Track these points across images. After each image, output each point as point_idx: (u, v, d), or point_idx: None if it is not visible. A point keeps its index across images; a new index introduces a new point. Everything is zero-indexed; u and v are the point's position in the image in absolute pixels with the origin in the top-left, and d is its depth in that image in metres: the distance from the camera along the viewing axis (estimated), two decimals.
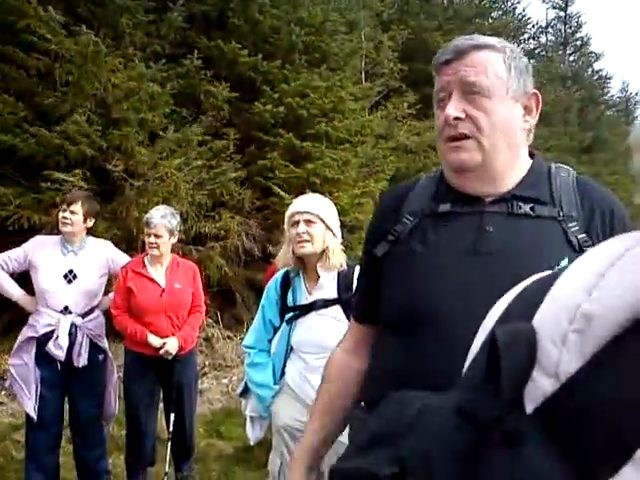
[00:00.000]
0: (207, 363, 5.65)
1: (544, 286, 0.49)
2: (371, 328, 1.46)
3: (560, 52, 19.27)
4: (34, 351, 3.60)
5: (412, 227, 1.33)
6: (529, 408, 0.43)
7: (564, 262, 1.18)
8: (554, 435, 0.42)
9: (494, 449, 0.43)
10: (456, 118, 1.24)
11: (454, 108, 1.24)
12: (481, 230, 1.25)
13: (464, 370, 0.55)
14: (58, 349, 3.58)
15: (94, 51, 5.63)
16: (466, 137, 1.25)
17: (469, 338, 1.11)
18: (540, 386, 0.43)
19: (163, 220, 3.66)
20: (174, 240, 3.78)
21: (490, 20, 14.46)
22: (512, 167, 1.29)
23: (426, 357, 1.19)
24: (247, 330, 5.86)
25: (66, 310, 3.65)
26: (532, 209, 1.25)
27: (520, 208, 1.25)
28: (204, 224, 6.13)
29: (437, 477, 0.45)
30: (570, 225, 1.23)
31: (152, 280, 3.70)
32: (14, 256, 3.68)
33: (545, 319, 0.46)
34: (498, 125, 1.24)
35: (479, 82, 1.24)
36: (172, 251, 3.86)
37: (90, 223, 3.78)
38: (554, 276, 0.49)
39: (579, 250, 1.20)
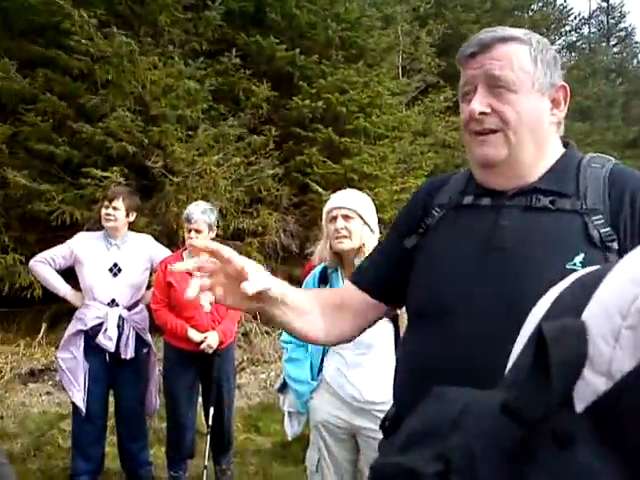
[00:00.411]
0: (245, 358, 5.69)
1: (593, 280, 0.47)
2: (368, 299, 1.48)
3: (603, 44, 18.83)
4: (82, 344, 3.70)
5: (438, 219, 1.34)
6: (579, 407, 0.42)
7: (579, 257, 1.16)
8: (605, 435, 0.40)
9: (543, 448, 0.42)
10: (481, 113, 1.23)
11: (479, 102, 1.23)
12: (496, 224, 1.24)
13: (507, 367, 0.54)
14: (108, 341, 3.67)
15: (130, 50, 5.74)
16: (492, 132, 1.24)
17: (481, 331, 1.14)
18: (591, 384, 0.42)
19: (203, 215, 3.70)
20: (213, 235, 3.82)
21: (530, 12, 14.20)
22: (538, 161, 1.27)
23: (442, 348, 1.21)
24: None
25: (113, 303, 3.74)
26: (552, 202, 1.23)
27: (539, 201, 1.24)
28: (242, 220, 6.17)
29: (482, 476, 0.44)
30: (594, 218, 1.20)
31: (192, 275, 3.72)
32: (60, 253, 3.78)
33: (596, 315, 0.44)
34: (524, 119, 1.23)
35: (504, 76, 1.22)
36: None
37: (132, 217, 3.86)
38: (604, 270, 0.48)
39: (600, 245, 1.17)
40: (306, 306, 1.41)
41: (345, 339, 1.52)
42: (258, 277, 1.24)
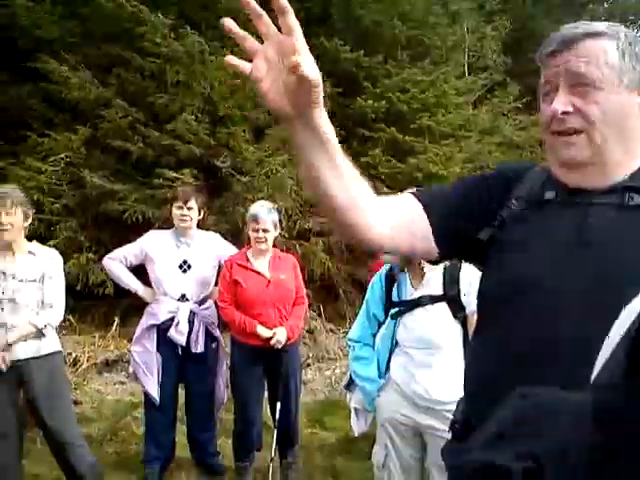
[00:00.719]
0: (310, 355, 5.75)
1: None
2: (426, 223, 1.31)
3: None
4: (155, 338, 3.84)
5: (517, 213, 1.28)
6: None
7: None
8: None
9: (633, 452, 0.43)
10: (564, 112, 1.18)
11: (562, 102, 1.18)
12: (584, 222, 1.19)
13: (597, 368, 0.54)
14: (180, 335, 3.80)
15: (200, 51, 5.90)
16: (576, 132, 1.19)
17: (563, 327, 1.10)
18: None
19: (269, 215, 3.77)
20: (277, 234, 3.90)
21: (605, 5, 13.59)
22: (627, 160, 1.21)
23: (524, 347, 1.17)
24: (349, 324, 5.97)
25: (183, 298, 3.87)
26: None
27: (632, 199, 1.18)
28: (307, 220, 6.23)
29: (578, 475, 0.45)
30: None
31: (257, 272, 3.81)
32: (131, 251, 3.94)
33: None
34: (610, 118, 1.17)
35: (589, 73, 1.17)
36: (274, 246, 3.97)
37: (201, 216, 3.98)
38: None
39: None
40: (352, 178, 1.20)
41: (377, 242, 1.28)
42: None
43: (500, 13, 10.68)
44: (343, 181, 1.18)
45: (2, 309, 3.25)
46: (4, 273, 3.28)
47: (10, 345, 3.23)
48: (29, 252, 3.37)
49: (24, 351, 3.29)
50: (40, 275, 3.34)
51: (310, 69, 1.03)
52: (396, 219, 1.29)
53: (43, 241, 3.91)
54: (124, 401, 5.02)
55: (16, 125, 6.08)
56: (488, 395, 0.98)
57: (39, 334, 3.31)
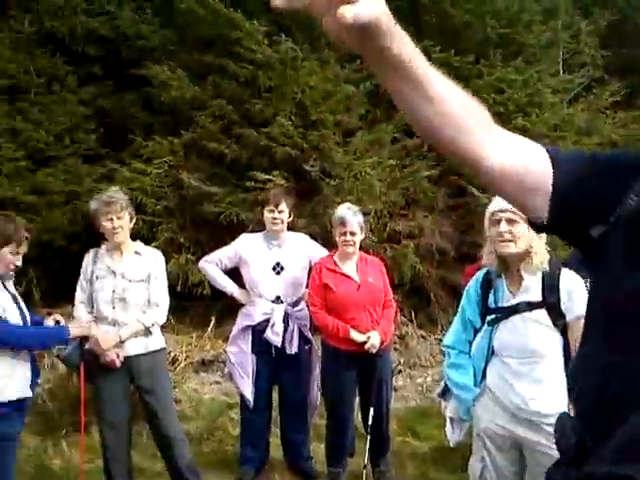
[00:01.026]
0: (402, 361, 5.69)
1: None
2: (544, 163, 1.11)
3: None
4: (250, 339, 3.93)
5: (637, 211, 1.08)
6: None
7: None
8: None
9: None
10: None
11: None
12: None
13: None
14: (275, 336, 3.87)
15: (292, 57, 6.00)
16: None
17: None
18: None
19: (355, 218, 3.80)
20: (362, 236, 3.90)
21: None
22: None
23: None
24: (441, 331, 5.87)
25: (278, 300, 3.94)
26: None
27: None
28: (397, 222, 6.19)
29: None
30: None
31: (347, 276, 3.82)
32: (226, 254, 4.06)
33: None
34: None
35: None
36: (360, 248, 3.97)
37: (291, 217, 4.05)
38: None
39: None
40: (452, 100, 1.02)
41: (485, 176, 1.10)
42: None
43: (599, 6, 10.22)
44: (440, 105, 1.02)
45: (114, 307, 3.45)
46: (114, 273, 3.48)
47: (122, 342, 3.41)
48: (135, 252, 3.56)
49: (133, 347, 3.48)
50: (147, 275, 3.52)
51: (363, 12, 0.87)
52: (513, 159, 1.10)
53: (146, 242, 4.08)
54: (220, 401, 5.16)
55: (120, 130, 6.44)
56: (609, 415, 0.92)
57: (147, 332, 3.49)
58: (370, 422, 3.81)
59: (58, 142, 6.25)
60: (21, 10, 6.84)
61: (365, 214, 4.25)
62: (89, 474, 3.76)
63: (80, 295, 3.53)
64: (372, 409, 3.81)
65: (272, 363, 3.94)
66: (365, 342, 3.69)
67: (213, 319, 5.75)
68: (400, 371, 5.62)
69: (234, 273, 4.12)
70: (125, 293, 3.46)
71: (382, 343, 3.74)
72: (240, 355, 3.95)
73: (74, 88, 6.69)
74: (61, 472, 4.11)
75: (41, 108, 6.36)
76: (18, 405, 3.04)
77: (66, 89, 6.62)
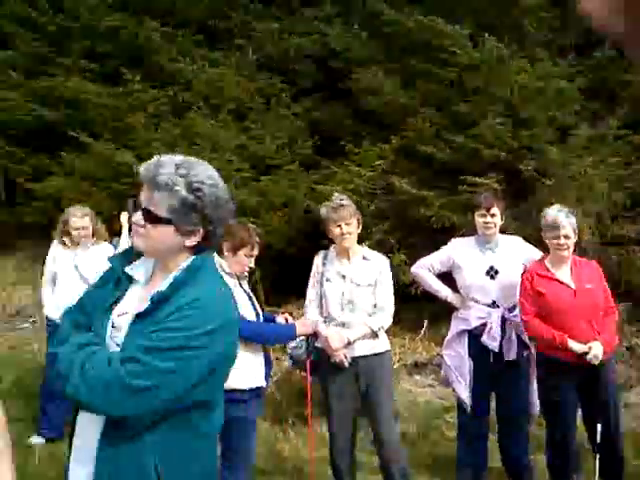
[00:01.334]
0: (632, 376, 5.18)
1: None
2: None
3: None
4: (466, 343, 3.89)
5: None
6: None
7: None
8: None
9: None
10: None
11: None
12: None
13: None
14: (492, 340, 3.80)
15: (498, 56, 5.84)
16: None
17: None
18: None
19: (569, 220, 3.63)
20: (575, 239, 3.70)
21: None
22: None
23: None
24: None
25: (494, 304, 3.85)
26: None
27: None
28: (622, 225, 5.71)
29: None
30: None
31: (561, 282, 3.63)
32: (438, 259, 4.06)
33: None
34: None
35: None
36: (580, 252, 3.74)
37: (502, 220, 3.96)
38: None
39: None
40: None
41: None
42: None
43: None
44: None
45: (342, 309, 3.63)
46: (344, 276, 3.66)
47: (350, 343, 3.57)
48: (363, 257, 3.72)
49: (361, 349, 3.63)
50: (374, 280, 3.66)
51: None
52: None
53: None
54: (434, 403, 5.18)
55: (332, 139, 6.82)
56: None
57: (374, 334, 3.63)
58: (598, 439, 3.56)
59: (278, 152, 6.76)
60: (245, 38, 7.55)
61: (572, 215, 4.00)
62: (315, 462, 3.97)
63: (311, 294, 3.76)
64: (599, 425, 3.57)
65: (490, 368, 3.85)
66: (586, 353, 3.48)
67: (426, 322, 5.78)
68: (632, 386, 5.13)
69: (445, 276, 4.10)
70: (353, 296, 3.62)
71: (604, 354, 3.51)
72: (457, 359, 3.92)
73: (288, 103, 7.22)
74: (290, 457, 4.44)
75: (262, 124, 6.97)
76: (257, 392, 3.32)
77: (281, 105, 7.17)
